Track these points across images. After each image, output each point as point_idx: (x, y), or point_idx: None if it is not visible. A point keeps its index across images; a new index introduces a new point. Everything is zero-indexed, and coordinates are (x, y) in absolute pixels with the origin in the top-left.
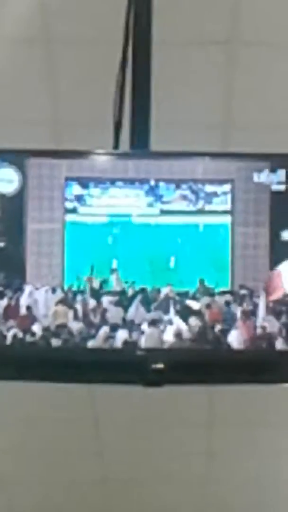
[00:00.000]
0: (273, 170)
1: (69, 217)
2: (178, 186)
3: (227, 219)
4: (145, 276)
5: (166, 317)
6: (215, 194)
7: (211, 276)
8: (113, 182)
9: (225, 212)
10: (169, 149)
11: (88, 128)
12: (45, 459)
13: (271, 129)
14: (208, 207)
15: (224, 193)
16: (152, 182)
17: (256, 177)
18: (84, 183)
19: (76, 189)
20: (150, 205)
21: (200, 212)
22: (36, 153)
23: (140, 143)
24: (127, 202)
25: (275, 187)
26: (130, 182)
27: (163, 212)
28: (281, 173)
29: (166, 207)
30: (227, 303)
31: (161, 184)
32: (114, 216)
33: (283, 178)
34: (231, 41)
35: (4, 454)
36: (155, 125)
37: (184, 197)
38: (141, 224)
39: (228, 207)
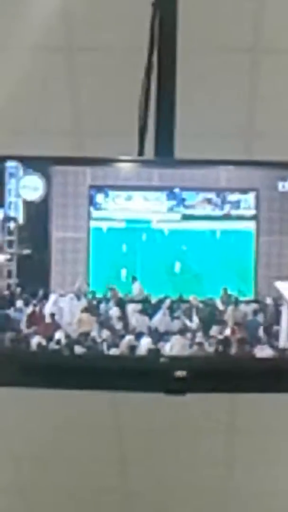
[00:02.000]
0: None
1: (94, 224)
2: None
3: (251, 225)
4: (168, 283)
5: (189, 326)
6: (239, 202)
7: (235, 285)
8: (136, 190)
9: (249, 219)
10: (193, 157)
11: (112, 136)
12: (67, 467)
13: None
14: (233, 212)
15: (249, 202)
16: (177, 190)
17: (280, 186)
18: (108, 190)
19: (99, 196)
20: (170, 209)
21: (224, 218)
22: (60, 160)
23: (164, 151)
24: (148, 207)
25: None
26: (154, 189)
27: (185, 217)
28: None
29: (188, 211)
30: (251, 312)
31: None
32: (134, 222)
33: None
34: (255, 48)
35: (26, 462)
36: (179, 133)
37: (209, 201)
38: (162, 230)
39: (252, 214)
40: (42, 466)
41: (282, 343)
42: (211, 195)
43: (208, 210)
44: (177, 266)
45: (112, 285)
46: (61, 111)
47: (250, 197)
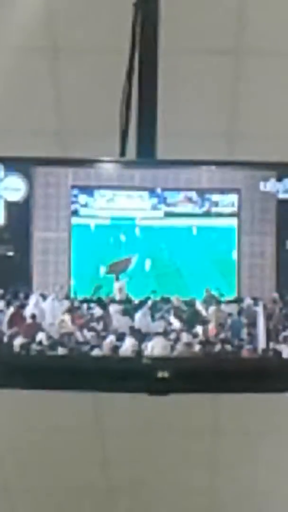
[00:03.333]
0: (279, 179)
1: (75, 220)
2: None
3: (234, 222)
4: (150, 282)
5: (172, 326)
6: (221, 201)
7: (218, 285)
8: (118, 190)
9: (231, 216)
10: (175, 157)
11: (94, 137)
12: (49, 468)
13: (277, 138)
14: (214, 210)
15: (230, 203)
16: (159, 191)
17: (262, 186)
18: (90, 191)
19: (81, 197)
20: (154, 207)
21: (206, 215)
22: (42, 161)
23: (146, 152)
24: (132, 205)
25: (282, 196)
26: (135, 190)
27: (168, 215)
28: None
29: (170, 209)
30: (234, 312)
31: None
32: (118, 219)
33: None
34: (237, 50)
35: (8, 462)
36: (161, 133)
37: (189, 199)
38: (145, 227)
39: (234, 212)
40: (24, 466)
41: (260, 344)
42: (192, 194)
43: (189, 208)
44: (160, 264)
45: (99, 284)
46: (43, 112)
47: (232, 197)
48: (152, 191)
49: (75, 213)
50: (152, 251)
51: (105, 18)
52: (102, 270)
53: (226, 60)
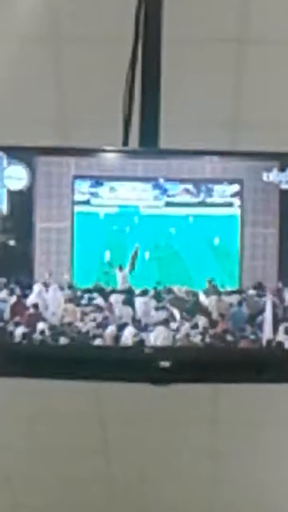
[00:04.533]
0: (282, 169)
1: (78, 210)
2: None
3: (236, 213)
4: (153, 272)
5: (173, 316)
6: (223, 191)
7: (220, 275)
8: (121, 180)
9: (233, 206)
10: (178, 147)
11: (96, 127)
12: (51, 456)
13: (280, 128)
14: (216, 200)
15: (233, 193)
16: (161, 181)
17: (265, 176)
18: (92, 181)
19: (84, 186)
20: (156, 198)
21: (206, 204)
22: (45, 150)
23: (149, 141)
24: (135, 195)
25: (284, 186)
26: (138, 180)
27: (169, 204)
28: None
29: (171, 199)
30: (235, 303)
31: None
32: (122, 208)
33: None
34: (240, 39)
35: (10, 451)
36: (164, 123)
37: (187, 191)
38: (147, 216)
39: (237, 204)
40: (26, 455)
41: (267, 334)
42: (190, 186)
43: (187, 198)
44: (162, 254)
45: (106, 270)
46: (46, 102)
47: (235, 188)
48: (154, 183)
49: (77, 202)
50: (154, 241)
51: (108, 7)
52: (108, 255)
53: (229, 49)
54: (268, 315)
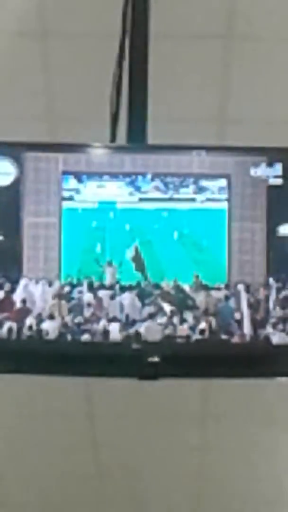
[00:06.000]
0: (270, 164)
1: (66, 205)
2: (153, 179)
3: (224, 207)
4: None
5: (161, 311)
6: (211, 187)
7: (208, 271)
8: (108, 175)
9: (221, 201)
10: (166, 142)
11: (84, 122)
12: (40, 453)
13: (268, 123)
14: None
15: (221, 188)
16: (149, 176)
17: (253, 171)
18: (80, 176)
19: (72, 182)
20: (131, 194)
21: (192, 199)
22: (33, 146)
23: (136, 137)
24: (114, 191)
25: (272, 181)
26: (126, 175)
27: (142, 200)
28: (278, 167)
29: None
30: (223, 298)
31: (139, 177)
32: (103, 204)
33: (280, 172)
34: (228, 35)
35: None
36: (152, 119)
37: (157, 188)
38: (126, 210)
39: (224, 199)
40: (15, 451)
41: (245, 330)
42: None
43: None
44: (149, 249)
45: (95, 265)
46: (33, 97)
47: (222, 183)
48: (130, 180)
49: (65, 198)
50: (141, 236)
51: (95, 3)
52: (97, 250)
53: (216, 45)
54: (244, 310)
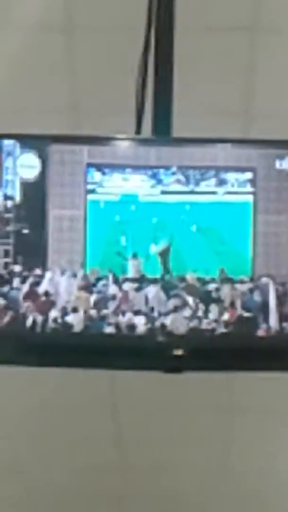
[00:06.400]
0: None
1: (91, 198)
2: (175, 173)
3: (250, 200)
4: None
5: (186, 304)
6: (236, 180)
7: (232, 264)
8: (133, 168)
9: (246, 194)
10: (191, 135)
11: (109, 115)
12: (63, 445)
13: None
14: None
15: (246, 181)
16: (174, 169)
17: (278, 164)
18: (104, 169)
19: (96, 175)
20: (153, 186)
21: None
22: (57, 139)
23: (162, 130)
24: (137, 184)
25: None
26: (150, 168)
27: (164, 192)
28: None
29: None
30: (248, 291)
31: (161, 170)
32: (125, 196)
33: None
34: (254, 27)
35: (22, 441)
36: (177, 111)
37: (178, 181)
38: (150, 203)
39: (250, 192)
40: (38, 444)
41: (272, 322)
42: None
43: (178, 187)
44: (175, 242)
45: (120, 257)
46: (59, 90)
47: (248, 176)
48: (152, 173)
49: (90, 191)
50: (170, 229)
51: None
52: (122, 243)
53: (242, 37)
54: (271, 303)
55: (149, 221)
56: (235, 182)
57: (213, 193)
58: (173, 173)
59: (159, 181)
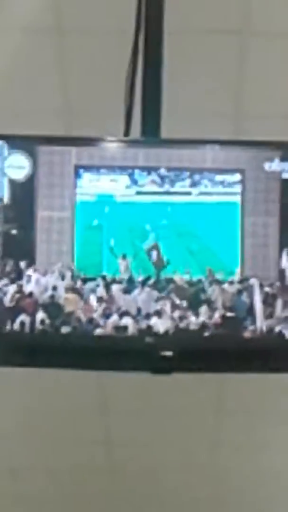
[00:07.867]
0: (284, 158)
1: (79, 199)
2: (149, 173)
3: (237, 202)
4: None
5: (175, 305)
6: (225, 182)
7: (220, 265)
8: (122, 169)
9: (234, 195)
10: (179, 137)
11: (99, 117)
12: (52, 446)
13: (282, 118)
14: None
15: (234, 183)
16: (162, 170)
17: (267, 166)
18: (93, 170)
19: (85, 176)
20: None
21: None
22: (46, 139)
23: (150, 131)
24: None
25: (286, 176)
26: (139, 169)
27: (139, 193)
28: None
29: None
30: (236, 292)
31: (136, 171)
32: (101, 196)
33: None
34: (243, 30)
35: (12, 442)
36: (166, 113)
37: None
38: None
39: (238, 193)
40: (28, 446)
41: (258, 324)
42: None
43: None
44: (164, 243)
45: (108, 259)
46: (48, 92)
47: (237, 178)
48: (131, 174)
49: (78, 192)
50: (152, 231)
51: None
52: (110, 244)
53: (231, 40)
54: (257, 305)
55: (132, 221)
56: (223, 184)
57: (206, 193)
58: (149, 174)
59: (135, 182)
